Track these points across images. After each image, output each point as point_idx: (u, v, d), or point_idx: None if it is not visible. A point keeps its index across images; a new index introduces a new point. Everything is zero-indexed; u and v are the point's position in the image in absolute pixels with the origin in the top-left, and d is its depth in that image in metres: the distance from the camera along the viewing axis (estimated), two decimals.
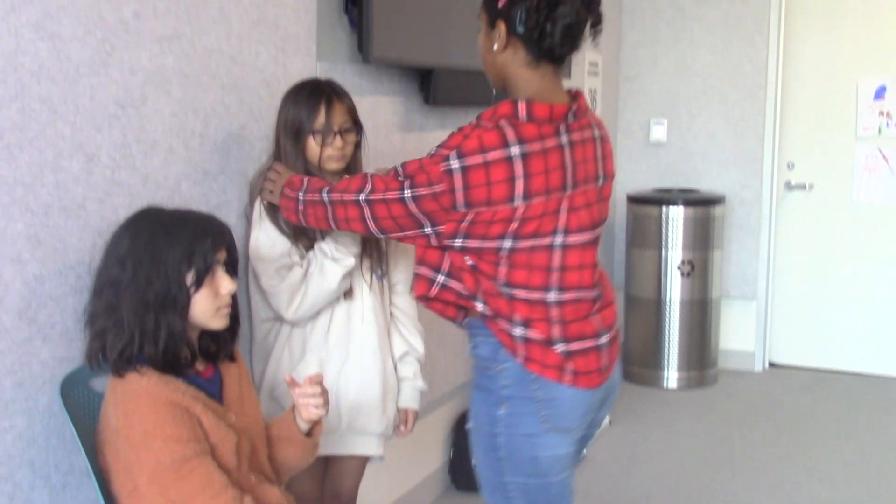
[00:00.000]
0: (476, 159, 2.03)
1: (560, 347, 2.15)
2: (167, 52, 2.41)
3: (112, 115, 2.24)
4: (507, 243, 2.10)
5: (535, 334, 2.14)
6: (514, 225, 2.07)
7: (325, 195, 2.27)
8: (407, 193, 2.09)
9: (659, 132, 6.12)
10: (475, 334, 2.22)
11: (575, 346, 2.17)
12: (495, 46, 2.15)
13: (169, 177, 2.43)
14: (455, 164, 2.03)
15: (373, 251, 2.70)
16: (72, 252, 2.14)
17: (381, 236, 2.23)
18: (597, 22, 2.16)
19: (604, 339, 2.23)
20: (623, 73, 6.18)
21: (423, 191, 2.07)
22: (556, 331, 2.15)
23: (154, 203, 2.20)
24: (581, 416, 2.22)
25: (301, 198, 2.35)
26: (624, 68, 6.17)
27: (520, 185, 2.05)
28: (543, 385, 2.15)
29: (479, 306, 2.17)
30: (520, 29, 2.11)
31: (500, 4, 2.12)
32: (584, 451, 2.34)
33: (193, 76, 2.51)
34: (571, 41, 2.14)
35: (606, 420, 4.99)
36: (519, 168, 2.04)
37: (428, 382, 2.97)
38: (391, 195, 2.12)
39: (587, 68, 5.54)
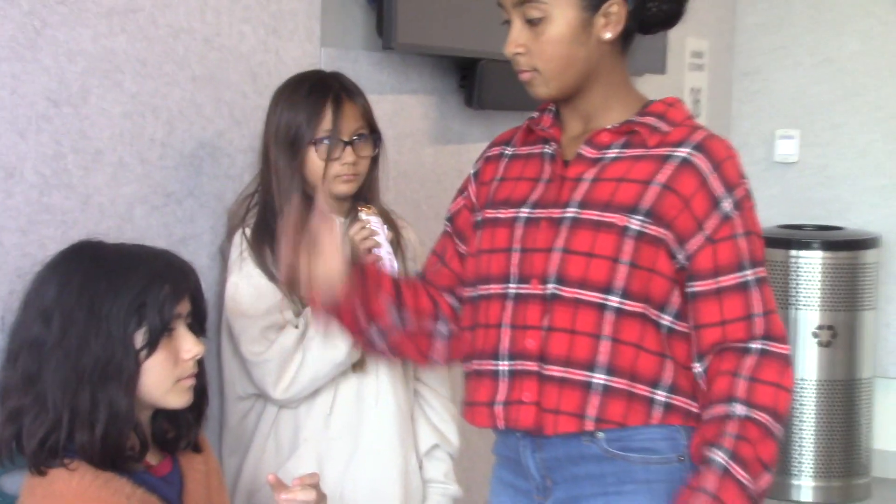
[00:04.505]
0: None
1: None
2: (118, 30, 2.42)
3: (41, 116, 2.24)
4: None
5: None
6: None
7: (769, 423, 2.14)
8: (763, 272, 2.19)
9: (788, 148, 6.11)
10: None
11: None
12: (606, 34, 2.20)
13: (117, 200, 2.43)
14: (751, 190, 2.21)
15: None
16: None
17: None
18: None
19: None
20: (739, 68, 6.17)
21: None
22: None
23: (94, 235, 2.19)
24: None
25: (748, 485, 2.11)
26: (740, 61, 6.16)
27: None
28: None
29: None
30: (631, 3, 2.21)
31: None
32: None
33: (154, 64, 2.52)
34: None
35: None
36: None
37: (465, 485, 2.94)
38: (771, 304, 2.18)
39: (688, 60, 5.52)
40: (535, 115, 2.34)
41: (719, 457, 2.08)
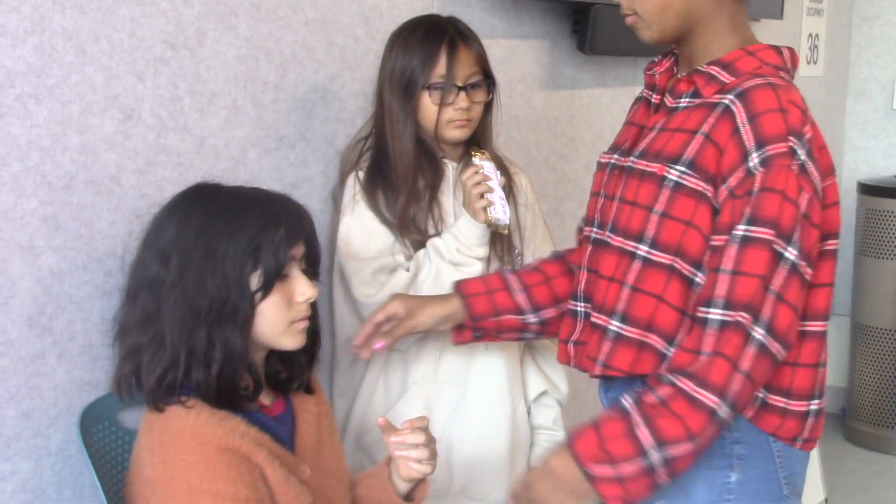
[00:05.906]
0: (808, 131, 2.06)
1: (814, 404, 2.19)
2: None
3: (158, 59, 2.27)
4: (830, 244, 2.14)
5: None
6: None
7: (713, 401, 1.97)
8: (792, 255, 1.99)
9: None
10: None
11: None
12: None
13: (231, 142, 2.46)
14: (802, 153, 2.03)
15: (504, 252, 2.69)
16: (100, 240, 2.18)
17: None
18: None
19: None
20: (859, 13, 6.05)
21: (801, 231, 2.00)
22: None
23: (209, 177, 2.22)
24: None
25: (653, 463, 2.00)
26: (860, 6, 6.05)
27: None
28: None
29: None
30: None
31: None
32: None
33: (267, 8, 2.53)
34: None
35: (822, 496, 4.89)
36: None
37: None
38: (778, 283, 1.98)
39: (806, 5, 5.43)
40: (657, 58, 2.31)
41: (626, 400, 2.03)
